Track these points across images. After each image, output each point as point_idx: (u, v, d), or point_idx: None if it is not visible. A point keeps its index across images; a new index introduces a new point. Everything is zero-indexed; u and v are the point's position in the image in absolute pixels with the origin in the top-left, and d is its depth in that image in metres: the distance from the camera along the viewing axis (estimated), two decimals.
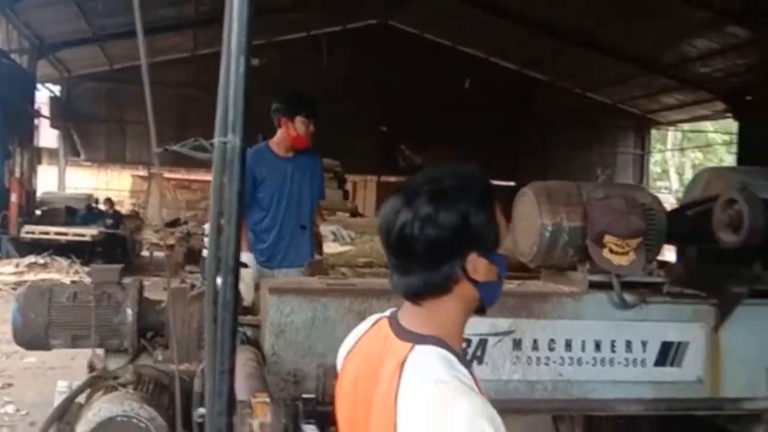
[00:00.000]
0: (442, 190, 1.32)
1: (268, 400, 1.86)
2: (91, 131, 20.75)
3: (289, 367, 2.60)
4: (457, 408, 1.22)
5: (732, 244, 2.58)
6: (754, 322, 2.80)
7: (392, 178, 16.68)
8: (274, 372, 2.60)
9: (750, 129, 12.69)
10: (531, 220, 2.80)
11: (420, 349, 1.32)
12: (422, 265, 1.32)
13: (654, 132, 19.16)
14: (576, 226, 2.70)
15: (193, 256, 12.30)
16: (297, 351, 2.61)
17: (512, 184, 17.12)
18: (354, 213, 9.70)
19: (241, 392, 1.96)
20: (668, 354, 2.77)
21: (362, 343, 1.51)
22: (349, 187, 11.34)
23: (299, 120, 4.34)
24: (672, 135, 20.14)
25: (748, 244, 2.53)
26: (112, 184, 23.30)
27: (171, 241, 13.82)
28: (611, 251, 2.61)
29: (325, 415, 2.52)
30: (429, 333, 1.35)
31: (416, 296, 1.36)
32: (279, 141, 4.43)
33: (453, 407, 1.22)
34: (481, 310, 1.42)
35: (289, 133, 4.36)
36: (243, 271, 3.43)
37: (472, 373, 1.36)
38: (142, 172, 22.26)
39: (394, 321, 1.42)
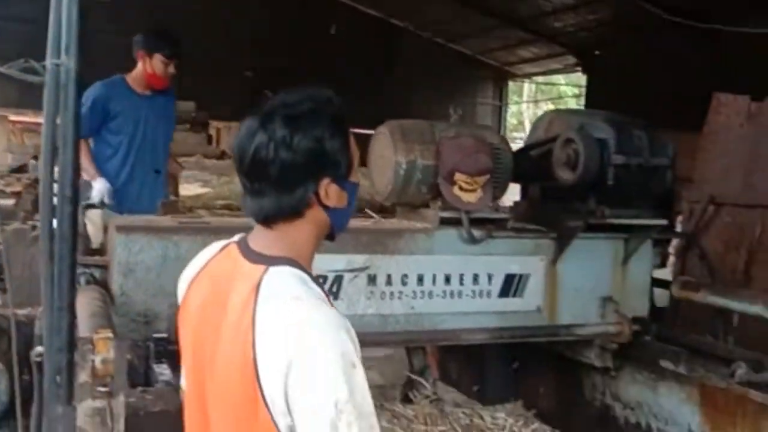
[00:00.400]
0: (298, 114, 1.31)
1: (111, 335, 1.79)
2: None
3: (139, 308, 2.53)
4: (315, 321, 1.23)
5: (569, 181, 2.75)
6: (588, 255, 3.03)
7: None
8: (123, 313, 2.51)
9: (597, 83, 13.49)
10: (386, 158, 2.85)
11: (274, 270, 1.31)
12: (276, 188, 1.32)
13: (511, 84, 19.90)
14: (429, 164, 2.78)
15: None
16: (147, 291, 2.54)
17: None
18: (219, 159, 9.43)
19: (84, 330, 1.88)
20: (511, 285, 2.95)
21: (209, 269, 1.47)
22: (212, 132, 10.94)
23: (158, 58, 4.08)
24: (527, 87, 21.03)
25: (583, 180, 2.71)
26: None
27: (18, 188, 12.79)
28: (461, 188, 2.72)
29: (175, 354, 2.48)
30: (281, 255, 1.34)
31: (269, 219, 1.35)
32: (136, 77, 4.18)
33: (311, 320, 1.23)
34: (330, 236, 1.43)
35: (146, 69, 4.10)
36: (91, 212, 3.29)
37: (324, 292, 1.37)
38: None
39: (244, 246, 1.40)
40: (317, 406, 1.18)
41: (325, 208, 1.35)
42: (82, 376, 1.74)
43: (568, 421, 3.57)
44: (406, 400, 3.86)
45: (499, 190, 2.88)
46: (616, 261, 3.09)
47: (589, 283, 3.07)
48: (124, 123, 4.15)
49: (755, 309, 2.93)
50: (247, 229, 2.74)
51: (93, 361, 1.74)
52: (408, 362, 3.86)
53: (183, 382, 1.58)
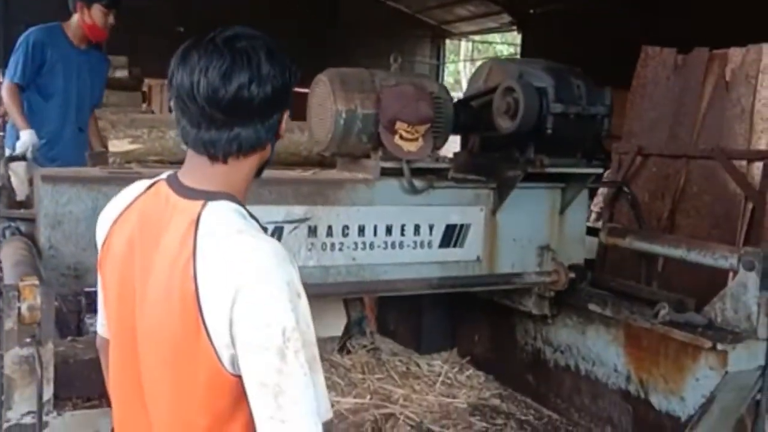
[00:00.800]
0: (274, 49, 1.32)
1: (37, 282, 1.71)
2: None
3: (68, 261, 2.43)
4: (259, 252, 1.21)
5: (509, 130, 2.76)
6: (527, 204, 3.07)
7: None
8: (52, 267, 2.41)
9: (532, 41, 13.65)
10: (326, 107, 2.79)
11: (213, 204, 1.28)
12: (256, 121, 1.30)
13: (448, 43, 19.94)
14: (369, 113, 2.74)
15: None
16: (77, 244, 2.43)
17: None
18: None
19: (9, 278, 1.80)
20: (452, 236, 2.97)
21: (135, 207, 1.39)
22: (145, 89, 10.55)
23: (97, 8, 3.94)
24: (464, 46, 21.11)
25: (522, 129, 2.72)
26: None
27: None
28: (402, 137, 2.69)
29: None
30: (219, 190, 1.30)
31: (240, 152, 1.31)
32: (74, 28, 4.01)
33: (255, 251, 1.21)
34: (259, 172, 1.40)
35: (84, 20, 3.96)
36: (15, 164, 3.13)
37: (262, 227, 1.33)
38: None
39: (175, 183, 1.34)
40: (265, 334, 1.17)
41: (276, 139, 1.36)
42: (8, 324, 1.68)
43: (501, 367, 3.69)
44: (344, 350, 3.90)
45: (440, 140, 2.87)
46: (553, 210, 3.14)
47: (528, 233, 3.12)
48: (57, 74, 4.00)
49: (678, 252, 3.04)
50: None
51: (19, 308, 1.67)
52: (345, 313, 3.87)
53: (100, 329, 1.52)
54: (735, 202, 3.89)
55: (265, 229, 1.33)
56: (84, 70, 4.09)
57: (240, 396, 1.21)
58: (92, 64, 4.15)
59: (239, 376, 1.20)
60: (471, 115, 3.01)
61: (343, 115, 2.73)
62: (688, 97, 4.21)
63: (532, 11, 13.29)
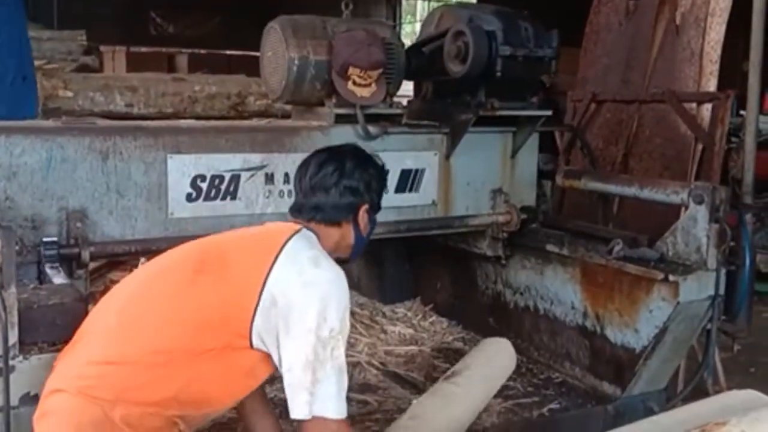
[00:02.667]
0: (362, 156, 1.99)
1: None
2: None
3: (25, 212, 2.46)
4: (327, 276, 1.74)
5: (460, 74, 2.83)
6: (479, 148, 3.16)
7: (144, 49, 15.55)
8: (10, 219, 2.42)
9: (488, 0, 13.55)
10: (278, 54, 2.82)
11: (305, 233, 1.84)
12: (340, 197, 1.91)
13: (404, 4, 19.74)
14: (322, 60, 2.78)
15: None
16: (34, 195, 2.46)
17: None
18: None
19: None
20: (407, 181, 3.05)
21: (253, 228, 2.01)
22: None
23: None
24: (420, 6, 20.93)
25: (473, 73, 2.79)
26: None
27: None
28: (355, 83, 2.74)
29: (70, 258, 2.45)
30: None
31: (316, 219, 1.90)
32: None
33: (324, 274, 1.74)
34: (345, 260, 1.93)
35: None
36: None
37: None
38: None
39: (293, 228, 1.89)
40: (311, 329, 1.66)
41: (356, 229, 1.93)
42: None
43: (463, 312, 3.80)
44: None
45: (393, 86, 2.92)
46: (505, 154, 3.24)
47: (481, 176, 3.21)
48: None
49: (632, 191, 3.13)
50: (134, 130, 2.68)
51: None
52: None
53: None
54: (686, 144, 4.00)
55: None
56: (15, 19, 4.02)
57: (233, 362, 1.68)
58: (17, 11, 4.07)
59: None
60: (423, 60, 3.06)
61: (296, 62, 2.77)
62: (639, 41, 4.29)
63: None
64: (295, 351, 1.65)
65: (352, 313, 3.88)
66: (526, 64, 2.88)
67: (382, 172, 2.00)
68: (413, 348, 3.57)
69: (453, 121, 3.02)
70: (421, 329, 3.79)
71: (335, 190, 1.88)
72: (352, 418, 2.85)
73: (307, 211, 1.89)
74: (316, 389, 1.64)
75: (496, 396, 3.02)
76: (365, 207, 1.92)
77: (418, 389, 3.09)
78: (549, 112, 3.18)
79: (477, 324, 3.69)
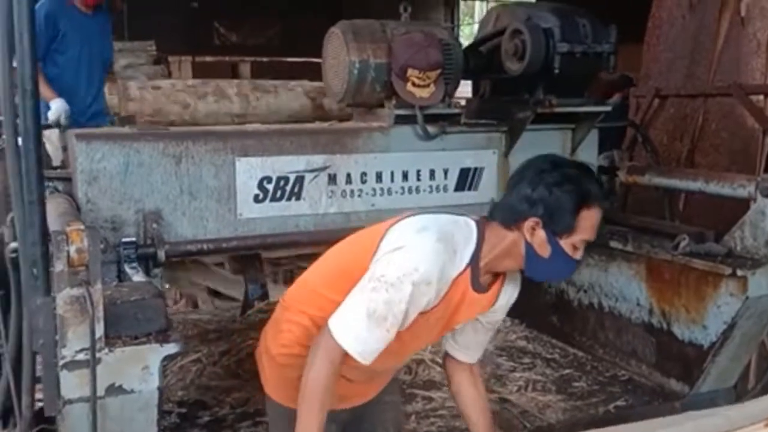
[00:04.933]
0: (564, 173, 1.76)
1: (83, 227, 1.88)
2: None
3: (105, 214, 2.60)
4: (419, 234, 1.74)
5: (517, 72, 2.86)
6: (538, 146, 3.13)
7: (209, 58, 15.97)
8: (91, 221, 2.57)
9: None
10: (339, 59, 2.91)
11: (459, 219, 1.85)
12: (513, 201, 1.80)
13: (462, 5, 19.69)
14: (381, 62, 2.85)
15: None
16: (113, 198, 2.60)
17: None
18: None
19: (55, 226, 1.96)
20: (466, 179, 3.09)
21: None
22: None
23: None
24: (479, 7, 20.84)
25: (530, 70, 2.82)
26: None
27: None
28: (414, 84, 2.80)
29: (146, 257, 2.59)
30: (486, 233, 1.82)
31: (493, 215, 1.84)
32: None
33: (418, 232, 1.75)
34: (523, 270, 1.85)
35: None
36: (49, 132, 3.31)
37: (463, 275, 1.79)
38: None
39: (483, 219, 1.88)
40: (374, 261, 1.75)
41: (526, 243, 1.77)
42: (59, 266, 1.81)
43: (526, 310, 3.77)
44: None
45: (451, 85, 2.97)
46: (564, 150, 3.23)
47: None
48: (70, 42, 4.13)
49: (697, 185, 3.08)
50: (204, 135, 2.82)
51: (68, 251, 1.81)
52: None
53: None
54: (753, 137, 3.94)
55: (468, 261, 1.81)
56: (94, 34, 4.23)
57: None
58: (101, 27, 4.29)
59: None
60: (480, 59, 3.10)
61: (357, 65, 2.85)
62: (703, 35, 4.23)
63: None
64: (362, 278, 1.75)
65: None
66: (584, 60, 2.89)
67: (578, 200, 1.74)
68: None
69: (511, 119, 3.05)
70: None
71: (514, 191, 1.80)
72: (417, 414, 2.97)
73: (492, 205, 1.91)
74: (343, 308, 1.73)
75: (560, 393, 3.04)
76: (534, 222, 1.75)
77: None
78: (608, 108, 3.17)
79: (540, 322, 3.69)
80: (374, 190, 2.96)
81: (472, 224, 1.82)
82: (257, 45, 18.21)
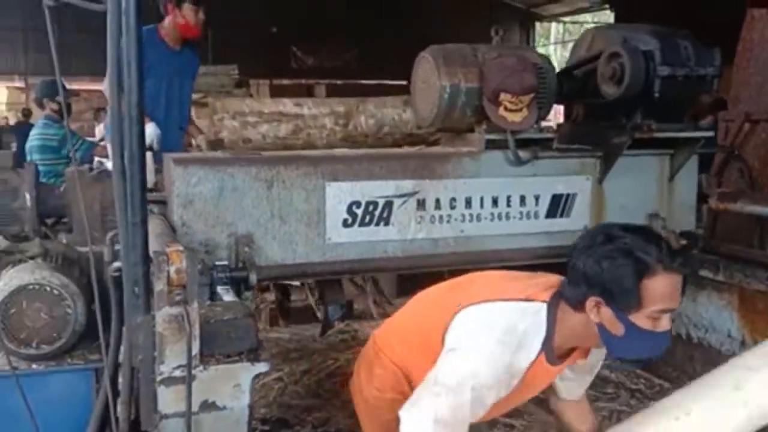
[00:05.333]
0: (617, 247, 1.62)
1: (182, 248, 1.91)
2: None
3: (199, 238, 2.65)
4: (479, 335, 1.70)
5: (615, 96, 2.78)
6: (635, 171, 3.07)
7: (285, 81, 16.38)
8: (185, 243, 2.61)
9: (626, 20, 13.17)
10: (430, 83, 2.90)
11: (539, 303, 1.73)
12: (573, 280, 1.69)
13: (538, 26, 19.58)
14: (473, 87, 2.83)
15: None
16: (207, 221, 2.66)
17: (404, 83, 17.13)
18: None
19: (154, 247, 2.00)
20: (558, 206, 3.02)
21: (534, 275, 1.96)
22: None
23: (187, 7, 4.12)
24: (554, 29, 20.66)
25: (629, 94, 2.73)
26: None
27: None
28: (506, 108, 2.76)
29: (238, 280, 2.62)
30: (556, 316, 1.72)
31: (564, 296, 1.72)
32: (168, 30, 4.25)
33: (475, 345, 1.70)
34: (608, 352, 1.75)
35: (177, 21, 4.13)
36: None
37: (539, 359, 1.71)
38: (19, 83, 20.75)
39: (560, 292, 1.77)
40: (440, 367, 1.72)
41: (598, 324, 1.65)
42: (159, 286, 1.86)
43: None
44: None
45: (544, 110, 2.91)
46: (662, 177, 3.13)
47: (636, 201, 3.11)
48: (155, 76, 4.21)
49: None
50: (296, 159, 2.84)
51: (168, 271, 1.86)
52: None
53: None
54: None
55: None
56: (178, 70, 4.28)
57: None
58: (184, 65, 4.33)
59: None
60: (575, 83, 3.03)
61: (448, 89, 2.83)
62: None
63: None
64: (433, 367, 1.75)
65: None
66: (686, 83, 2.78)
67: (636, 273, 1.60)
68: None
69: (606, 144, 2.96)
70: None
71: (572, 267, 1.68)
72: None
73: (563, 289, 1.74)
74: (412, 407, 1.71)
75: None
76: (595, 302, 1.63)
77: None
78: (711, 133, 3.04)
79: None
80: (463, 216, 2.92)
81: (543, 312, 1.71)
82: (332, 68, 18.66)
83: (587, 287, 1.63)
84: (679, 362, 3.31)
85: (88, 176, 2.97)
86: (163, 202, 2.82)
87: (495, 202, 2.95)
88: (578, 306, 1.67)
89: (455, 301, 1.81)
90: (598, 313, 1.64)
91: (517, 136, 2.86)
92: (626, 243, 1.61)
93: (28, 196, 2.93)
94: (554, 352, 1.73)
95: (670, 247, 1.64)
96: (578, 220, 3.05)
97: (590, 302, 1.63)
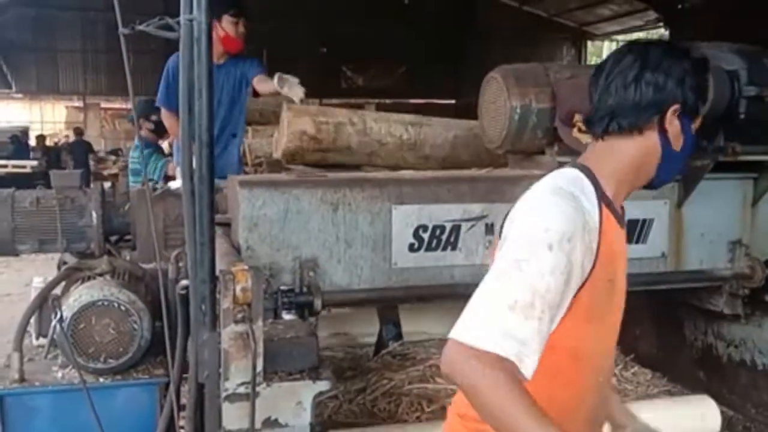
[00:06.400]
0: (672, 53, 1.49)
1: (247, 267, 1.95)
2: (22, 61, 19.95)
3: (264, 261, 2.67)
4: (543, 201, 1.44)
5: None
6: (716, 196, 2.99)
7: (335, 100, 16.65)
8: (249, 266, 2.66)
9: (680, 37, 12.96)
10: (499, 104, 2.90)
11: (567, 169, 1.53)
12: (643, 93, 1.47)
13: (590, 45, 19.43)
14: (545, 108, 2.81)
15: None
16: (272, 244, 2.69)
17: (453, 102, 17.20)
18: None
19: (220, 266, 2.04)
20: (634, 231, 2.94)
21: None
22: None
23: (227, 20, 4.21)
24: (607, 47, 20.49)
25: (712, 115, 2.65)
26: (46, 116, 22.65)
27: (114, 170, 13.74)
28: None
29: (302, 305, 2.63)
30: (585, 164, 1.52)
31: (609, 124, 1.50)
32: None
33: (541, 198, 1.45)
34: (649, 184, 1.56)
35: (217, 34, 4.16)
36: None
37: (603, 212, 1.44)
38: (77, 103, 21.66)
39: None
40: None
41: (663, 138, 1.48)
42: (225, 304, 1.92)
43: (668, 364, 3.67)
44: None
45: None
46: (745, 202, 3.05)
47: (717, 227, 3.03)
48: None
49: None
50: (362, 182, 2.84)
51: (234, 289, 1.90)
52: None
53: None
54: None
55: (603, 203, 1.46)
56: (226, 83, 4.36)
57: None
58: (232, 75, 4.39)
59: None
60: None
61: (518, 111, 2.82)
62: None
63: (680, 6, 12.59)
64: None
65: None
66: None
67: (703, 69, 1.52)
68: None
69: (687, 167, 2.87)
70: (624, 380, 3.68)
71: (635, 85, 1.48)
72: None
73: (599, 118, 1.52)
74: (473, 310, 1.33)
75: None
76: (676, 107, 1.47)
77: None
78: None
79: (685, 377, 3.57)
80: None
81: (568, 169, 1.54)
82: (381, 87, 18.87)
83: (664, 94, 1.47)
84: (742, 389, 3.26)
85: (151, 196, 3.06)
86: (227, 224, 2.86)
87: None
88: (643, 126, 1.48)
89: None
90: (673, 125, 1.49)
91: None
92: (678, 47, 1.51)
93: (94, 215, 3.03)
94: (614, 204, 1.50)
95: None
96: (656, 246, 2.98)
97: (672, 111, 1.47)
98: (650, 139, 1.48)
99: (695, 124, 1.53)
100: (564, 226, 1.35)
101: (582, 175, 1.49)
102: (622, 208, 1.56)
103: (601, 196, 1.46)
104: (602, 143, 1.52)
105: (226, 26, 4.21)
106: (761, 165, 2.98)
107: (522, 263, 1.31)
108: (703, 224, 3.01)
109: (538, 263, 1.31)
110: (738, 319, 3.17)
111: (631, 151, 1.49)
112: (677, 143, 1.50)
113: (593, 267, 1.39)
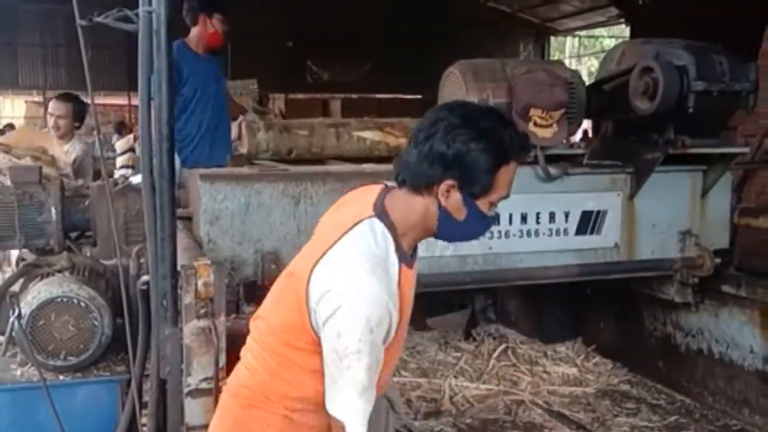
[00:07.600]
0: (477, 127, 1.53)
1: (210, 262, 1.92)
2: None
3: (226, 254, 2.65)
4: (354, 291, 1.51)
5: (648, 111, 2.76)
6: (667, 188, 3.04)
7: (300, 95, 16.53)
8: (212, 260, 2.62)
9: (641, 34, 13.12)
10: (457, 98, 2.89)
11: (367, 221, 1.59)
12: (423, 161, 1.54)
13: (553, 40, 19.62)
14: (501, 102, 2.83)
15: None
16: (233, 238, 2.66)
17: (419, 96, 17.26)
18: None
19: (182, 261, 2.01)
20: (588, 222, 3.00)
21: (350, 195, 1.76)
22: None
23: (217, 17, 4.29)
24: (569, 43, 20.66)
25: (662, 109, 2.71)
26: (4, 112, 22.08)
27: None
28: (536, 124, 2.75)
29: (264, 298, 2.60)
30: (386, 212, 1.60)
31: (398, 176, 1.60)
32: (197, 40, 4.37)
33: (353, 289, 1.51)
34: (437, 235, 1.64)
35: (206, 30, 4.29)
36: None
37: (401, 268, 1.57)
38: (37, 98, 21.13)
39: (383, 194, 1.64)
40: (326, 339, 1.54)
41: (438, 205, 1.56)
42: (187, 299, 1.88)
43: (629, 354, 3.74)
44: (470, 338, 4.16)
45: (574, 125, 2.91)
46: (694, 193, 3.10)
47: (668, 218, 3.09)
48: (191, 86, 4.32)
49: None
50: (323, 175, 2.82)
51: (196, 284, 1.87)
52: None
53: None
54: None
55: (399, 255, 1.58)
56: (211, 75, 4.42)
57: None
58: (216, 68, 4.49)
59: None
60: (605, 98, 3.02)
61: None
62: None
63: (640, 2, 12.75)
64: (324, 348, 1.56)
65: (512, 350, 3.96)
66: (721, 99, 2.76)
67: (497, 157, 1.54)
68: (577, 389, 3.57)
69: (638, 160, 2.94)
70: (585, 370, 3.77)
71: (418, 151, 1.54)
72: None
73: (397, 168, 1.61)
74: (336, 391, 1.55)
75: None
76: (449, 185, 1.53)
77: (586, 430, 3.12)
78: (746, 149, 3.01)
79: (644, 366, 3.65)
80: (491, 233, 2.89)
81: (376, 221, 1.59)
82: (347, 82, 18.80)
83: (444, 170, 1.52)
84: (700, 378, 3.32)
85: (112, 191, 3.00)
86: (188, 218, 2.83)
87: (524, 218, 2.93)
88: (423, 190, 1.56)
89: (305, 270, 1.59)
90: (447, 197, 1.55)
91: (546, 152, 2.85)
92: (489, 125, 1.54)
93: (53, 210, 2.96)
94: (405, 253, 1.61)
95: (520, 135, 1.61)
96: (609, 237, 3.03)
97: (444, 185, 1.54)
98: (431, 204, 1.57)
99: (484, 200, 1.57)
100: (381, 311, 1.51)
101: (387, 233, 1.58)
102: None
103: (401, 256, 1.58)
104: (402, 191, 1.60)
105: (216, 23, 4.27)
106: (710, 157, 3.02)
107: (357, 354, 1.50)
108: (654, 215, 3.05)
109: (368, 347, 1.50)
110: (689, 307, 3.23)
111: (418, 209, 1.58)
112: (459, 215, 1.57)
113: (398, 322, 1.57)
